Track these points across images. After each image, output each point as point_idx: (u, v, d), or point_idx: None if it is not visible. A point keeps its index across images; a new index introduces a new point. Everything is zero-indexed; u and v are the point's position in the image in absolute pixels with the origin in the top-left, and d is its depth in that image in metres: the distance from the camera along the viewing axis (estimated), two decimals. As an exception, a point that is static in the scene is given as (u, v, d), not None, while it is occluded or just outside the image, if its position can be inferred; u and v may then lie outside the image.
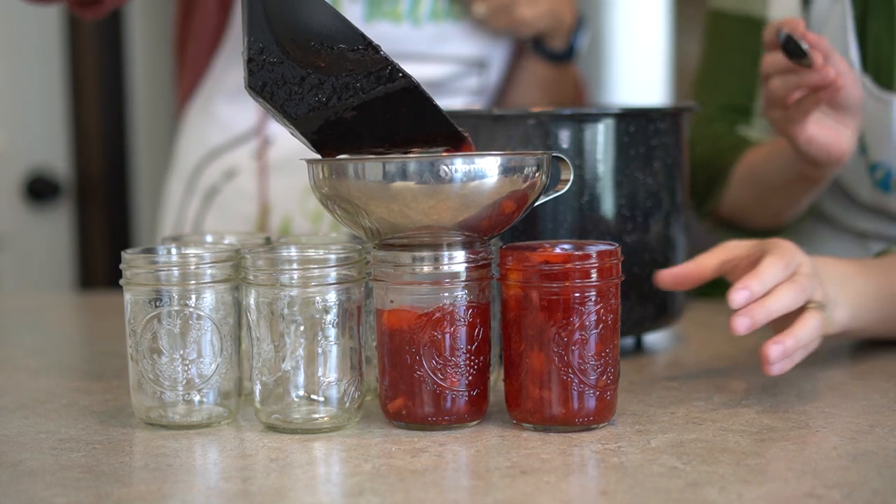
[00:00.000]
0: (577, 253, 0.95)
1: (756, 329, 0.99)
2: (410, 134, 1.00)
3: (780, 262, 1.02)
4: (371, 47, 0.98)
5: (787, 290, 1.01)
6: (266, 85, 0.98)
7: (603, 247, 0.96)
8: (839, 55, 1.19)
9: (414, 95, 0.98)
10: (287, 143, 1.60)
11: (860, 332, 1.15)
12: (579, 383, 0.95)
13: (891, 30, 1.32)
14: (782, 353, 0.99)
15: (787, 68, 1.18)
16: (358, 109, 0.98)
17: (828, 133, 1.21)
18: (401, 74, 0.97)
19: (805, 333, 1.00)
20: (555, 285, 0.94)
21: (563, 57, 1.63)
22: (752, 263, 1.05)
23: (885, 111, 1.32)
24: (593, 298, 0.94)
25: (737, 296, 0.99)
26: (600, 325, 0.94)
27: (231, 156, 1.63)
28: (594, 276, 0.94)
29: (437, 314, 0.95)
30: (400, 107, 0.98)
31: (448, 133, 1.00)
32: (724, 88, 1.46)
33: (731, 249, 1.08)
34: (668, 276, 1.10)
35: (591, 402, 0.95)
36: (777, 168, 1.34)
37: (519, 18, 1.55)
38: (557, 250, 0.97)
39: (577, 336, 0.94)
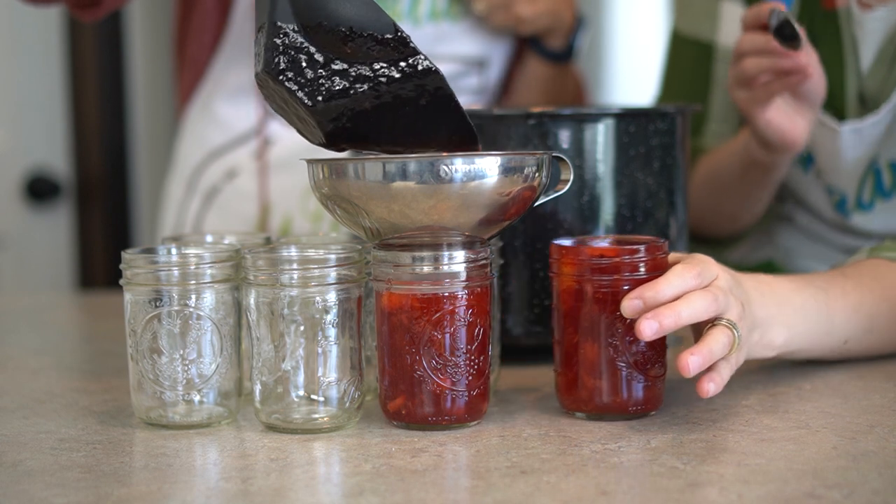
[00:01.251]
0: (626, 247, 0.99)
1: (663, 335, 0.95)
2: (428, 133, 0.99)
3: (689, 270, 0.97)
4: (401, 38, 0.97)
5: (699, 296, 0.96)
6: (284, 70, 0.96)
7: (651, 241, 1.01)
8: (811, 46, 1.23)
9: (439, 92, 0.97)
10: (287, 144, 1.60)
11: (800, 353, 1.10)
12: (633, 373, 0.98)
13: (838, 55, 1.31)
14: (699, 363, 0.94)
15: (764, 49, 1.21)
16: (380, 101, 0.96)
17: (786, 119, 1.25)
18: (430, 68, 0.96)
19: (718, 347, 0.96)
20: (605, 278, 0.97)
21: (563, 56, 1.63)
22: None
23: (834, 140, 1.31)
24: None
25: (628, 305, 0.95)
26: None
27: (231, 156, 1.63)
28: (642, 269, 0.98)
29: (438, 314, 0.95)
30: (423, 102, 0.97)
31: (465, 135, 0.99)
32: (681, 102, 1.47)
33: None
34: None
35: (643, 391, 0.99)
36: (730, 159, 1.37)
37: (518, 16, 1.55)
38: (606, 244, 1.02)
39: (632, 327, 0.96)
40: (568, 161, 1.04)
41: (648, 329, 0.93)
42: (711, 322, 0.97)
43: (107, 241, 2.66)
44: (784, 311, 1.06)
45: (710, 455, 0.89)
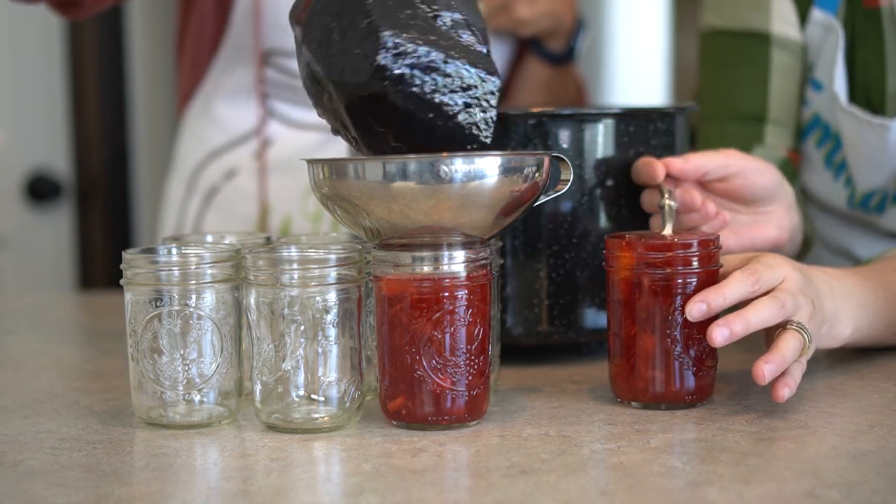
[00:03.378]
0: (679, 241, 1.01)
1: (734, 340, 0.98)
2: (446, 143, 0.98)
3: (748, 278, 1.00)
4: (486, 50, 0.97)
5: (766, 304, 0.99)
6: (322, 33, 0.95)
7: (705, 237, 1.02)
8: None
9: (475, 131, 0.97)
10: (286, 144, 1.60)
11: (861, 343, 1.14)
12: (688, 363, 1.00)
13: (880, 54, 1.31)
14: (774, 371, 0.97)
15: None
16: (420, 97, 0.95)
17: (748, 233, 1.18)
18: (489, 102, 0.97)
19: (790, 353, 0.98)
20: (660, 272, 1.00)
21: (563, 58, 1.63)
22: None
23: (880, 136, 1.31)
24: (694, 284, 1.00)
25: (693, 308, 0.98)
26: None
27: (231, 156, 1.63)
28: (695, 263, 1.00)
29: (438, 314, 0.96)
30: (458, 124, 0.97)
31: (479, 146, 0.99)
32: (732, 101, 1.43)
33: (725, 265, 1.07)
34: None
35: (696, 381, 1.01)
36: None
37: (517, 18, 1.55)
38: (660, 239, 1.03)
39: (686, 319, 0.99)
40: (568, 161, 1.04)
41: (720, 336, 0.97)
42: (782, 325, 1.00)
43: (107, 241, 2.66)
44: (849, 303, 1.09)
45: (710, 455, 0.89)
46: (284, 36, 1.54)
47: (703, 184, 1.17)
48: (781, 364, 0.98)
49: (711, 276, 1.02)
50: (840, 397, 1.05)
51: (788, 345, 0.99)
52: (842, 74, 1.33)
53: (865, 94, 1.32)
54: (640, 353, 1.02)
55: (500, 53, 1.63)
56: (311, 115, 1.57)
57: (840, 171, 1.37)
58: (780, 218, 1.20)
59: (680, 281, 1.00)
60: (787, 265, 1.03)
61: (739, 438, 0.93)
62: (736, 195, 1.17)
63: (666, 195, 1.11)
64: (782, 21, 1.36)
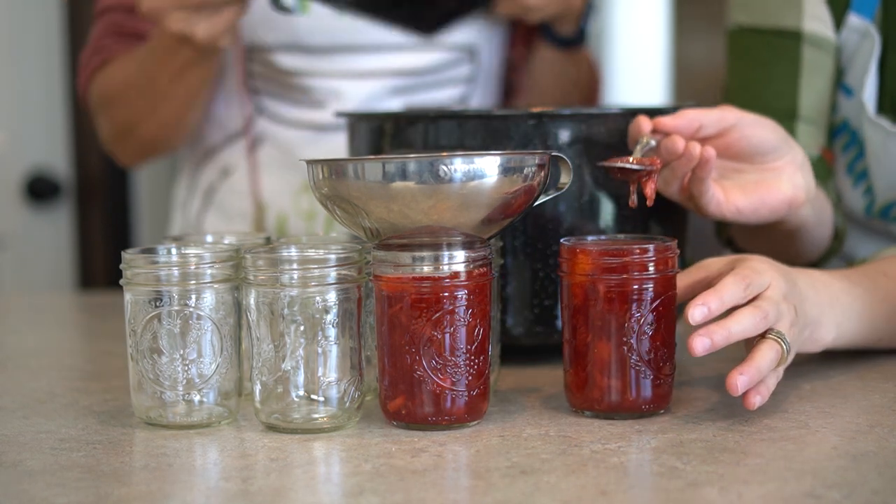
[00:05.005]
0: (636, 247, 0.98)
1: (714, 351, 0.97)
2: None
3: (742, 282, 0.99)
4: None
5: (749, 314, 0.98)
6: None
7: (661, 241, 1.00)
8: (715, 115, 1.11)
9: None
10: (276, 143, 1.60)
11: (843, 348, 1.13)
12: (646, 371, 0.99)
13: None
14: (747, 382, 0.96)
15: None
16: None
17: (756, 190, 1.12)
18: None
19: (765, 364, 0.98)
20: (616, 277, 0.98)
21: (573, 42, 1.62)
22: None
23: None
24: (651, 290, 0.98)
25: (696, 311, 0.96)
26: (663, 315, 0.99)
27: (225, 154, 1.64)
28: (651, 268, 0.98)
29: (437, 314, 0.95)
30: None
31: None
32: (762, 99, 1.40)
33: (707, 268, 1.06)
34: None
35: (654, 390, 0.99)
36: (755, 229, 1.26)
37: (525, 4, 1.54)
38: (613, 243, 1.02)
39: (644, 326, 0.98)
40: (568, 161, 1.04)
41: (701, 346, 0.96)
42: (762, 333, 0.99)
43: (107, 241, 2.66)
44: (834, 310, 1.08)
45: (710, 455, 0.89)
46: (265, 31, 1.55)
47: (701, 140, 1.11)
48: (756, 376, 0.97)
49: (668, 282, 0.99)
50: (840, 397, 1.05)
51: (765, 356, 0.98)
52: (873, 83, 1.30)
53: (893, 104, 1.28)
54: (595, 362, 0.99)
55: (490, 39, 1.62)
56: (300, 112, 1.58)
57: (860, 179, 1.35)
58: (791, 174, 1.12)
59: (636, 287, 0.98)
60: (773, 270, 1.02)
61: (739, 438, 0.93)
62: (735, 149, 1.11)
63: (646, 137, 1.09)
64: (815, 19, 1.33)
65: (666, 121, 1.10)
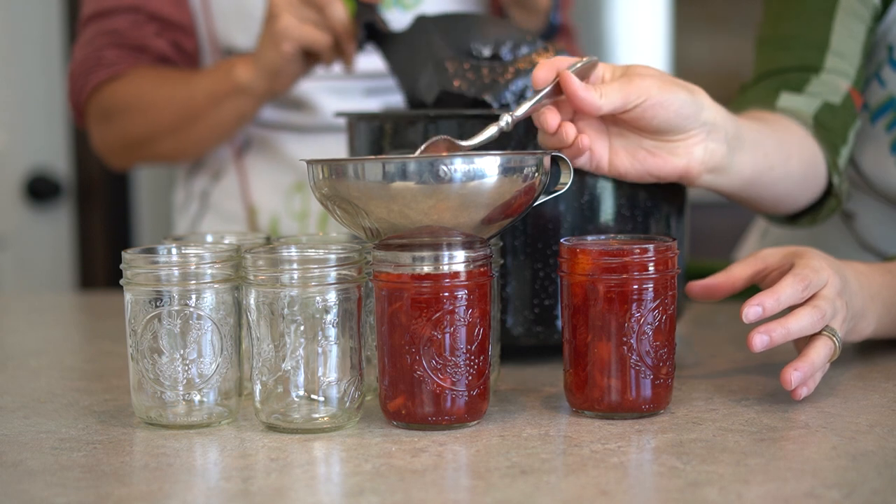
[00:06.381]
0: (635, 247, 0.98)
1: (772, 347, 1.00)
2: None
3: (800, 283, 1.02)
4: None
5: (808, 313, 1.01)
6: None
7: (661, 241, 1.01)
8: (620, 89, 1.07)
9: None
10: (262, 146, 1.60)
11: (880, 338, 1.16)
12: (646, 371, 0.99)
13: None
14: (801, 378, 1.00)
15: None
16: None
17: (646, 158, 1.09)
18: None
19: (819, 360, 1.01)
20: (616, 277, 0.98)
21: (544, 37, 1.61)
22: (782, 274, 1.05)
23: None
24: (651, 290, 0.98)
25: (750, 311, 1.00)
26: (663, 315, 0.99)
27: (215, 157, 1.64)
28: (651, 268, 0.98)
29: (437, 314, 0.95)
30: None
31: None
32: (794, 28, 1.34)
33: (764, 259, 1.09)
34: (699, 288, 1.11)
35: (653, 390, 0.99)
36: None
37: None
38: (614, 243, 1.02)
39: (644, 326, 0.98)
40: (568, 161, 1.04)
41: (760, 342, 0.99)
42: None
43: (107, 241, 2.66)
44: (875, 303, 1.11)
45: (710, 455, 0.89)
46: (238, 34, 1.55)
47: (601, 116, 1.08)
48: (810, 372, 1.00)
49: (668, 282, 0.99)
50: (840, 397, 1.05)
51: (819, 353, 1.01)
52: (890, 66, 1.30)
53: None
54: (595, 362, 0.99)
55: None
56: (282, 114, 1.58)
57: None
58: (689, 147, 1.08)
59: (636, 287, 0.98)
60: (829, 268, 1.05)
61: (739, 438, 0.93)
62: (635, 125, 1.07)
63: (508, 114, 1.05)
64: None
65: (575, 86, 1.05)
